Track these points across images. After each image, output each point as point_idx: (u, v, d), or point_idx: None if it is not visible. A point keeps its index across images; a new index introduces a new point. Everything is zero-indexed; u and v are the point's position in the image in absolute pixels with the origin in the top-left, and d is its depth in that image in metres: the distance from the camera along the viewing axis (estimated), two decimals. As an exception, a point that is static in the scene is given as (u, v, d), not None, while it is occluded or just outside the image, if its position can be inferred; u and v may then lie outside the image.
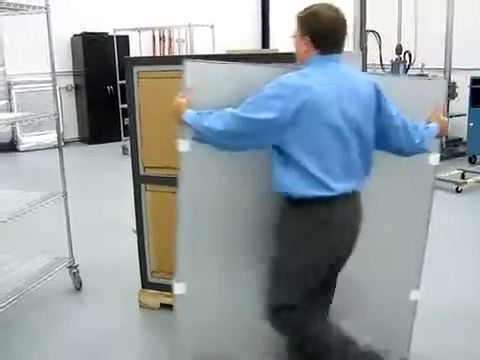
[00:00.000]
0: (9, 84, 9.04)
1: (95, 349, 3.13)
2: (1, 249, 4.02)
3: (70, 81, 9.86)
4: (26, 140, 9.19)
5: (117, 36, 8.93)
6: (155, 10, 9.85)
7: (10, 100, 9.09)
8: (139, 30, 8.95)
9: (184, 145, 2.43)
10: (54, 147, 9.22)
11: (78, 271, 3.81)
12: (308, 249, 2.32)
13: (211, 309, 2.73)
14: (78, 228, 3.97)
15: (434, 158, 2.64)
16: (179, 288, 2.66)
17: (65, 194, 3.70)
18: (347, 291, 2.70)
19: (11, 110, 9.07)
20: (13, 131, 9.16)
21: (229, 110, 2.25)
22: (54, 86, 3.68)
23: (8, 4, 3.28)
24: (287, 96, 2.17)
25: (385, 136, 2.38)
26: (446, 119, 2.56)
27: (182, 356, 2.82)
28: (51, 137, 9.00)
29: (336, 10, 2.29)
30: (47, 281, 3.54)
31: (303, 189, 2.24)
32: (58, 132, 3.79)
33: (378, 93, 2.33)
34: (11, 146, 9.24)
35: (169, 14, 9.67)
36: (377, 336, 2.78)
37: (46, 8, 3.45)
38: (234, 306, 2.70)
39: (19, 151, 9.16)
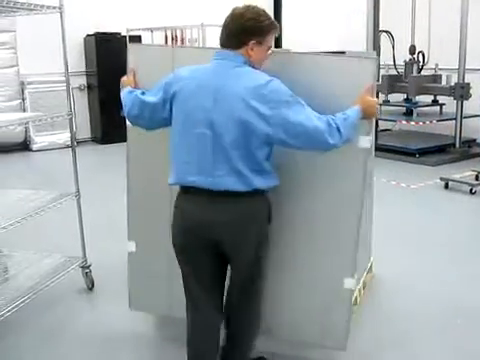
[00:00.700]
0: (22, 84, 9.08)
1: (104, 349, 3.14)
2: (14, 248, 4.03)
3: (83, 81, 9.90)
4: (39, 140, 9.23)
5: (130, 36, 8.95)
6: (167, 10, 9.86)
7: (23, 100, 9.13)
8: (152, 30, 8.97)
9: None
10: (67, 147, 9.28)
11: (90, 271, 3.81)
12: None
13: (159, 268, 2.99)
14: (90, 228, 3.97)
15: (363, 140, 2.51)
16: (130, 246, 3.08)
17: (78, 194, 3.71)
18: (278, 278, 2.79)
19: (24, 110, 9.12)
20: (26, 131, 9.20)
21: (136, 92, 2.56)
22: (68, 86, 3.68)
23: (22, 4, 3.28)
24: (168, 84, 2.38)
25: (300, 143, 2.25)
26: (374, 99, 2.44)
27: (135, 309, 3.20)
28: (64, 137, 9.07)
29: (243, 8, 2.35)
30: (60, 280, 3.56)
31: (171, 177, 2.42)
32: (71, 132, 3.79)
33: (258, 103, 2.18)
34: (24, 146, 9.29)
35: (181, 14, 9.67)
36: (312, 326, 2.82)
37: (60, 8, 3.45)
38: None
39: (32, 151, 9.21)
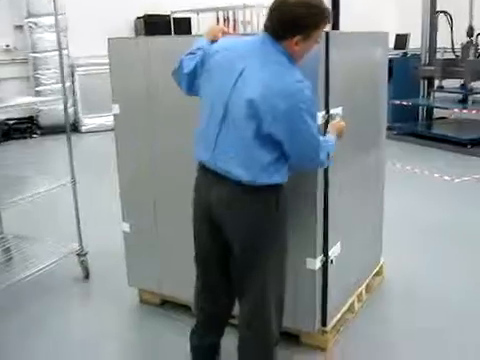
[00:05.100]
0: (72, 66, 9.20)
1: (90, 341, 3.06)
2: (14, 231, 4.04)
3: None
4: (88, 122, 9.35)
5: (178, 18, 8.86)
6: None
7: (73, 82, 9.26)
8: (197, 12, 8.83)
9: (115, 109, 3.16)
10: (113, 129, 9.35)
11: (86, 259, 3.74)
12: None
13: (150, 248, 3.17)
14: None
15: None
16: (124, 226, 3.26)
17: (74, 181, 3.64)
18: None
19: (74, 92, 9.26)
20: (75, 113, 9.35)
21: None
22: (61, 66, 3.61)
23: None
24: (204, 51, 2.28)
25: (296, 150, 2.15)
26: (340, 123, 2.51)
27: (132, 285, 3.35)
28: (111, 119, 9.13)
29: None
30: (56, 268, 3.56)
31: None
32: (66, 116, 3.73)
33: (277, 99, 2.02)
34: (74, 128, 9.44)
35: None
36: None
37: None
38: (172, 246, 3.08)
39: (81, 132, 9.35)
